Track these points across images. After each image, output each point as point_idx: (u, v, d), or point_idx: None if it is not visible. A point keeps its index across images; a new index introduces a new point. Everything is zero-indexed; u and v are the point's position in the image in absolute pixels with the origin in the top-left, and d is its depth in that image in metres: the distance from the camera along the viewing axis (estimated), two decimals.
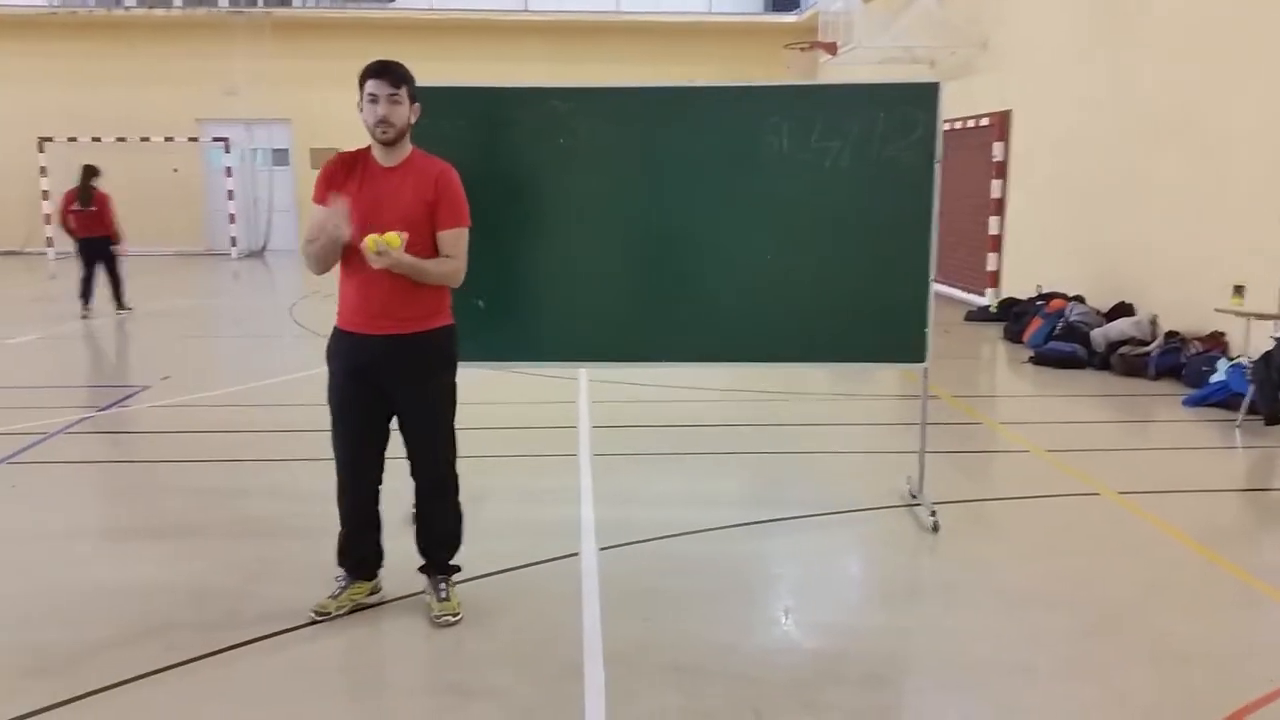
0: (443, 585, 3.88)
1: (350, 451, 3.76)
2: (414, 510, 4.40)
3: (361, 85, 3.55)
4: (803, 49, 17.20)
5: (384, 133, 3.53)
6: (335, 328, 3.71)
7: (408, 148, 3.65)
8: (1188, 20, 8.84)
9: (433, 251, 3.63)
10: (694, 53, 19.04)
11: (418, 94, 3.63)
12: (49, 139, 18.16)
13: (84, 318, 11.38)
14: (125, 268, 12.10)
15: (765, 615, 3.91)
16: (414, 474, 3.85)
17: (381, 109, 3.51)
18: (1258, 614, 3.94)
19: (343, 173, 3.61)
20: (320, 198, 3.62)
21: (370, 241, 3.41)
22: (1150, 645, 3.62)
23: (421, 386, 3.71)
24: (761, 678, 3.36)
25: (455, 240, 3.65)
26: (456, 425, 3.83)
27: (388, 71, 3.54)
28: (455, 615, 3.79)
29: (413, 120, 3.62)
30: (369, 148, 3.65)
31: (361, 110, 3.56)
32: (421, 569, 3.95)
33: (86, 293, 11.57)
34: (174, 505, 5.10)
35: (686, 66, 17.96)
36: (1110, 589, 4.12)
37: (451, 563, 3.94)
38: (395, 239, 3.44)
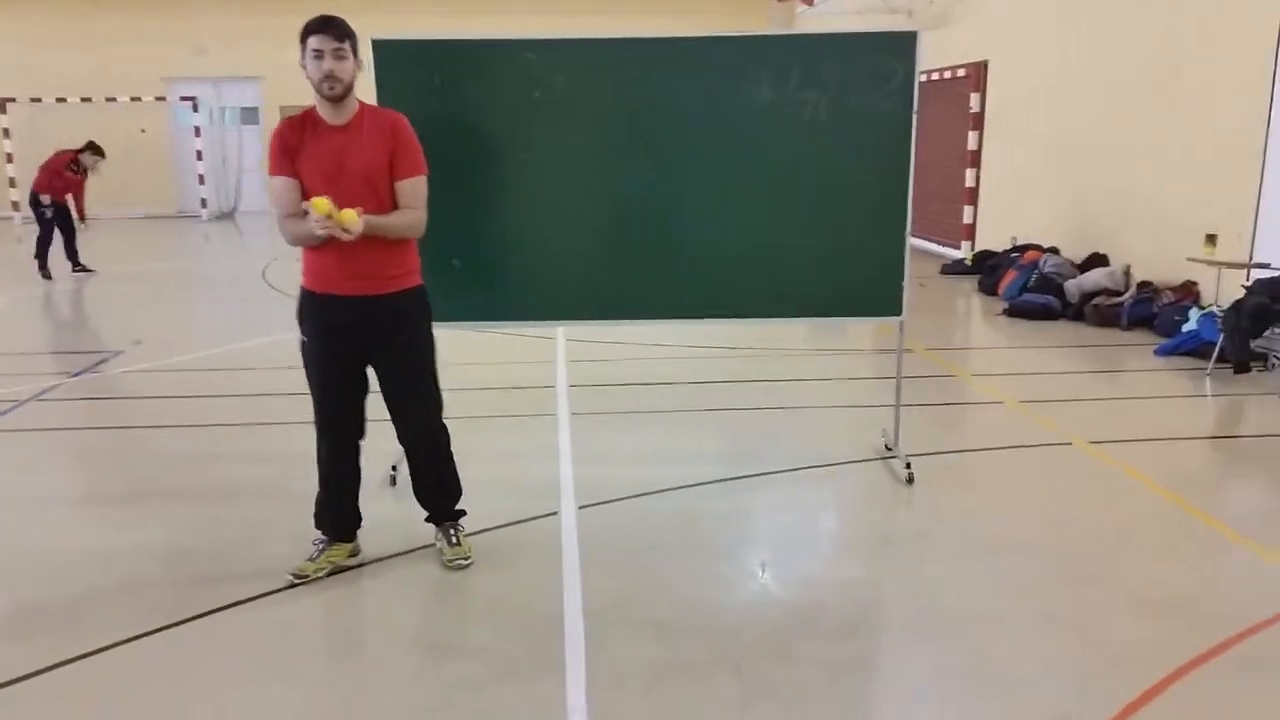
0: (452, 531, 3.97)
1: (329, 411, 3.77)
2: (393, 471, 4.41)
3: (303, 41, 3.48)
4: (781, 0, 17.03)
5: (331, 88, 3.48)
6: (303, 289, 3.68)
7: (354, 103, 3.59)
8: None
9: (392, 205, 3.60)
10: (671, 4, 18.80)
11: (358, 48, 3.57)
12: (10, 99, 17.80)
13: (50, 279, 11.35)
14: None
15: (742, 569, 3.95)
16: (401, 436, 3.86)
17: (327, 64, 3.45)
18: (1226, 559, 4.02)
19: (295, 138, 3.55)
20: (278, 169, 3.56)
21: (324, 214, 3.30)
22: (1122, 592, 3.68)
23: (399, 346, 3.72)
24: (739, 631, 3.40)
25: (414, 189, 3.62)
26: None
27: (331, 26, 3.48)
28: (467, 559, 3.89)
29: (357, 74, 3.56)
30: (313, 109, 3.59)
31: (305, 67, 3.50)
32: (428, 520, 4.03)
33: (46, 255, 11.60)
34: (150, 470, 5.07)
35: (664, 18, 17.76)
36: (1082, 537, 4.18)
37: (456, 508, 4.02)
38: (353, 216, 3.36)
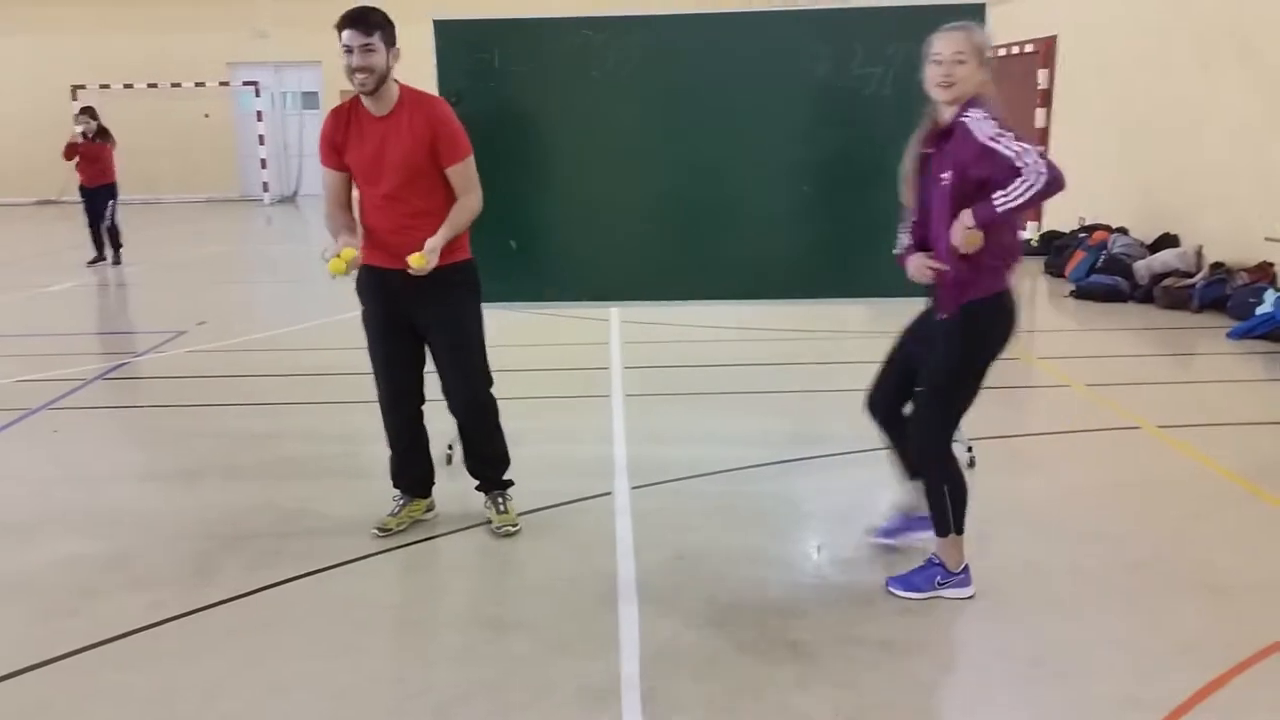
0: (500, 500, 4.06)
1: (389, 378, 3.90)
2: (449, 450, 4.46)
3: (339, 35, 3.52)
4: None
5: (362, 83, 3.53)
6: (363, 265, 3.75)
7: (394, 91, 3.62)
8: None
9: (440, 187, 3.67)
10: None
11: (394, 37, 3.58)
12: (81, 87, 18.24)
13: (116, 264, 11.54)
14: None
15: (799, 551, 3.91)
16: (451, 407, 3.95)
17: (356, 59, 3.49)
18: None
19: (340, 130, 3.65)
20: (327, 160, 3.71)
21: (414, 263, 3.51)
22: (1190, 578, 3.57)
23: (446, 317, 3.80)
24: (795, 611, 3.36)
25: (464, 173, 3.68)
26: (490, 361, 3.92)
27: (360, 21, 3.50)
28: (515, 526, 3.99)
29: (393, 64, 3.58)
30: (357, 99, 3.65)
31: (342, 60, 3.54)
32: (478, 489, 4.11)
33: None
34: (213, 448, 5.16)
35: None
36: (1150, 523, 4.06)
37: (505, 478, 4.10)
38: (419, 259, 3.50)
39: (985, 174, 3.06)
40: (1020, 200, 3.05)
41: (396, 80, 3.63)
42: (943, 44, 3.12)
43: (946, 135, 3.15)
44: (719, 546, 3.88)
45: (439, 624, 3.41)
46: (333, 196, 3.75)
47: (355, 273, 3.66)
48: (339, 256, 3.52)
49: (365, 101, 3.62)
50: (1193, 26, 9.15)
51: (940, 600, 3.43)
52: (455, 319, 3.82)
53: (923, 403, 3.40)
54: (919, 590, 3.43)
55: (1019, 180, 3.02)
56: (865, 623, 3.28)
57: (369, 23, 3.50)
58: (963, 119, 3.10)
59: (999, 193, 3.03)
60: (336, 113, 3.68)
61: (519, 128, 4.62)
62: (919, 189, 3.29)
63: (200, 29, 19.30)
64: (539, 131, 4.67)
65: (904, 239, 3.44)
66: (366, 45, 3.48)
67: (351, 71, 3.51)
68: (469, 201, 3.70)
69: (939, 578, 3.43)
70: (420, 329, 3.83)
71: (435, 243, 3.56)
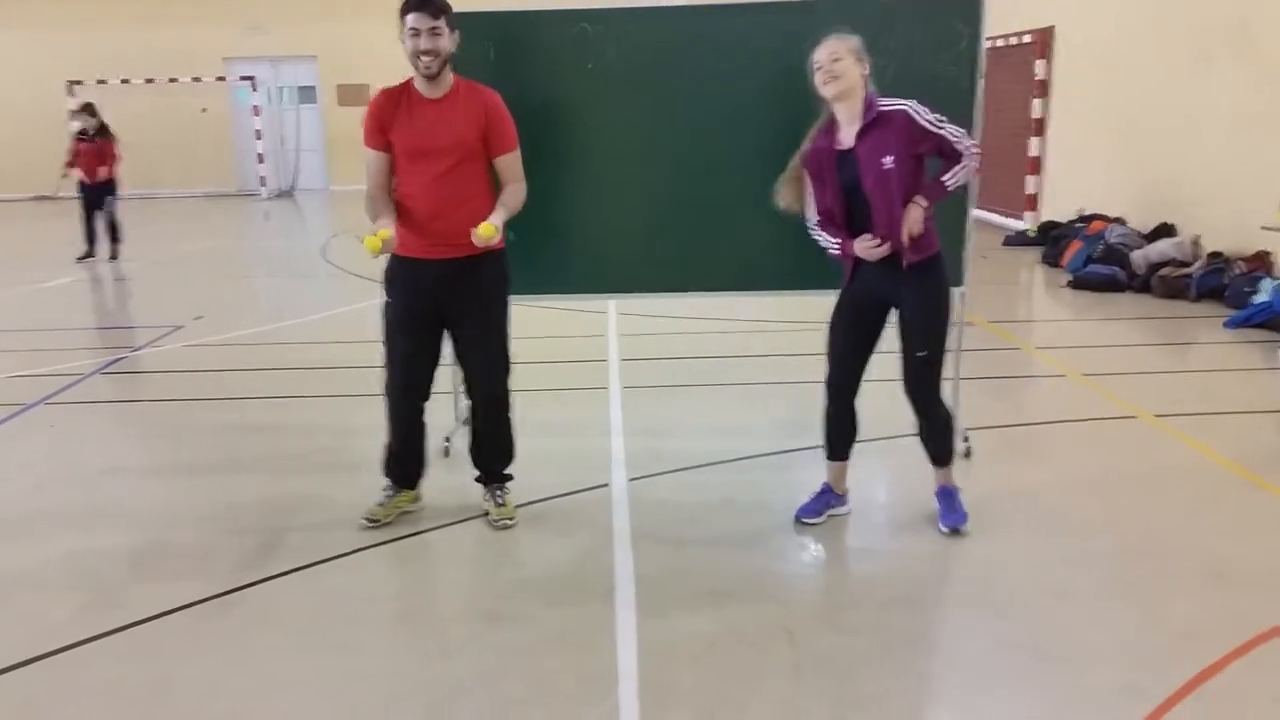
0: (499, 492, 4.09)
1: (407, 368, 3.91)
2: (446, 443, 4.46)
3: (402, 19, 3.56)
4: None
5: (427, 66, 3.57)
6: (393, 255, 3.76)
7: (450, 77, 3.68)
8: None
9: (483, 175, 3.75)
10: None
11: (454, 20, 3.63)
12: (77, 82, 18.19)
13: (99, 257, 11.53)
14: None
15: (795, 541, 3.90)
16: (470, 394, 4.00)
17: (424, 42, 3.53)
18: None
19: (389, 112, 3.67)
20: (369, 140, 3.70)
21: (482, 233, 3.51)
22: (1190, 566, 3.57)
23: (479, 308, 3.84)
24: (792, 601, 3.36)
25: (514, 163, 3.81)
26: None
27: (428, 4, 3.54)
28: (512, 519, 4.02)
29: (453, 49, 3.64)
30: (409, 81, 3.68)
31: (404, 44, 3.57)
32: (478, 479, 4.14)
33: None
34: (210, 442, 5.16)
35: None
36: (1148, 512, 4.06)
37: (505, 472, 4.14)
38: (489, 228, 3.51)
39: (927, 152, 3.53)
40: (963, 178, 3.59)
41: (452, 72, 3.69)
42: (820, 53, 3.54)
43: (872, 126, 3.51)
44: (716, 538, 3.88)
45: (436, 617, 3.40)
46: (374, 179, 3.73)
47: (387, 256, 3.68)
48: (375, 235, 3.50)
49: (420, 85, 3.65)
50: (1191, 18, 9.13)
51: (936, 591, 3.43)
52: (486, 310, 3.86)
53: (922, 355, 3.73)
54: (966, 513, 3.88)
55: (963, 161, 3.54)
56: (863, 612, 3.29)
57: (436, 6, 3.54)
58: (902, 107, 3.51)
59: (946, 175, 3.54)
60: (387, 93, 3.70)
61: (517, 120, 4.56)
62: (833, 184, 3.59)
63: (197, 23, 19.24)
64: (535, 125, 4.63)
65: (827, 236, 3.71)
66: (434, 28, 3.53)
67: (417, 54, 3.54)
68: (519, 190, 3.80)
69: (959, 496, 3.95)
70: (449, 320, 3.85)
71: (498, 219, 3.59)
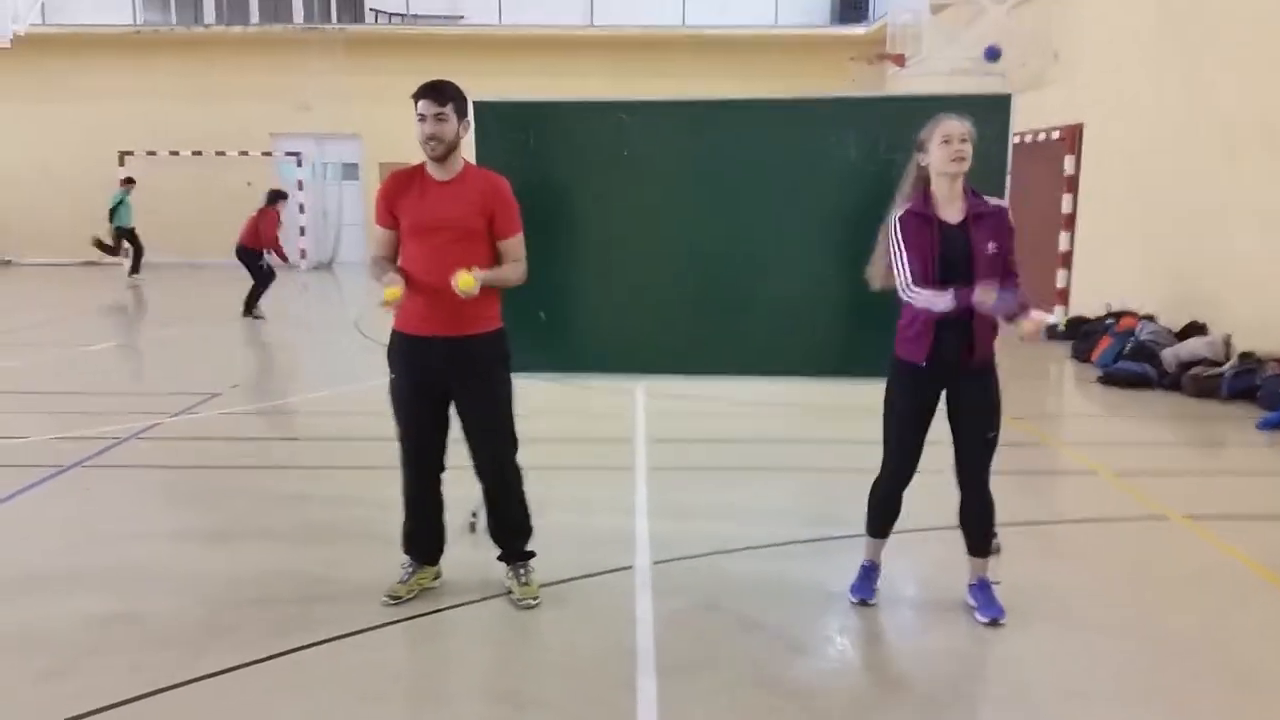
0: (522, 571, 4.09)
1: (413, 446, 3.97)
2: (472, 519, 4.50)
3: (415, 105, 3.74)
4: (870, 61, 17.07)
5: (433, 149, 3.73)
6: (394, 330, 3.91)
7: (460, 162, 3.84)
8: (1265, 30, 8.60)
9: (487, 255, 3.83)
10: (760, 66, 18.98)
11: (466, 109, 3.81)
12: (129, 153, 18.79)
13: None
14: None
15: (822, 634, 3.88)
16: (479, 473, 4.02)
17: (429, 127, 3.71)
18: None
19: (400, 190, 3.83)
20: (383, 219, 3.87)
21: (460, 282, 3.61)
22: (1217, 672, 3.51)
23: (478, 386, 3.90)
24: (817, 697, 3.33)
25: (517, 246, 3.89)
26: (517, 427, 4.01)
27: (434, 91, 3.73)
28: (535, 598, 4.01)
29: (462, 135, 3.80)
30: (424, 164, 3.84)
31: (416, 128, 3.75)
32: (500, 558, 4.14)
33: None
34: (241, 509, 5.22)
35: (752, 80, 17.94)
36: (1176, 615, 4.01)
37: (527, 549, 4.13)
38: (468, 278, 3.61)
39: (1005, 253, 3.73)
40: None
41: (465, 157, 3.86)
42: (953, 129, 3.63)
43: (982, 209, 3.70)
44: (741, 627, 3.86)
45: (455, 697, 3.40)
46: (380, 250, 3.92)
47: (391, 319, 3.82)
48: (394, 286, 3.65)
49: (430, 168, 3.81)
50: (1218, 115, 9.24)
51: (963, 690, 3.40)
52: (486, 387, 3.92)
53: (982, 450, 3.85)
54: (1003, 606, 3.89)
55: (1018, 277, 3.75)
56: (886, 712, 3.25)
57: (443, 93, 3.73)
58: (1004, 205, 3.78)
59: (1020, 286, 3.72)
60: (398, 175, 3.87)
61: (552, 204, 4.73)
62: (932, 252, 3.66)
63: (246, 100, 19.91)
64: (571, 208, 4.79)
65: (929, 293, 3.68)
66: (439, 114, 3.70)
67: (425, 138, 3.72)
68: (521, 267, 3.90)
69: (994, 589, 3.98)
70: (450, 396, 3.91)
71: (484, 275, 3.68)
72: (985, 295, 3.53)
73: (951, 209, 3.70)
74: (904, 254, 3.69)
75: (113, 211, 16.57)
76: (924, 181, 3.73)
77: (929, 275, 3.66)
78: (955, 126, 3.62)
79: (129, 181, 17.09)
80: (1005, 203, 3.83)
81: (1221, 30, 9.22)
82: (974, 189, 3.75)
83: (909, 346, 3.79)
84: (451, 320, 3.78)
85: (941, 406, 3.84)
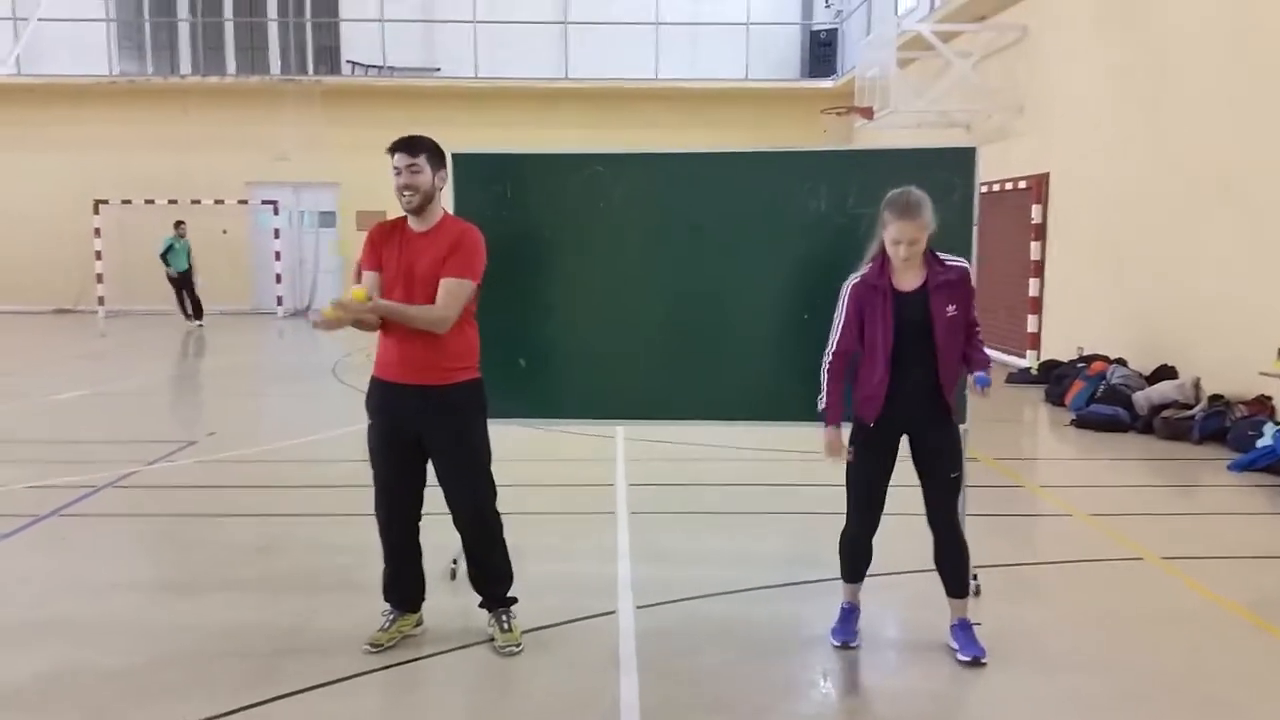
0: (504, 617, 4.07)
1: (389, 492, 3.98)
2: (454, 565, 4.49)
3: (391, 159, 3.81)
4: (839, 114, 17.38)
5: (408, 200, 3.81)
6: (372, 377, 3.95)
7: (438, 213, 3.90)
8: (1225, 84, 8.87)
9: (468, 308, 3.89)
10: (730, 119, 19.26)
11: (442, 161, 3.87)
12: (104, 201, 18.73)
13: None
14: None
15: (806, 677, 3.88)
16: (456, 522, 4.01)
17: (404, 179, 3.78)
18: None
19: (384, 239, 3.91)
20: (368, 261, 3.92)
21: (347, 297, 3.67)
22: (1195, 712, 3.55)
23: (451, 434, 3.91)
24: None
25: (448, 289, 3.80)
26: (496, 477, 4.01)
27: (408, 144, 3.81)
28: (518, 645, 4.00)
29: (439, 186, 3.86)
30: (405, 217, 3.91)
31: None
32: (481, 605, 4.12)
33: None
34: (217, 558, 5.17)
35: (723, 132, 18.18)
36: (1153, 656, 4.04)
37: (509, 595, 4.11)
38: (360, 293, 3.68)
39: (965, 314, 3.85)
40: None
41: (445, 209, 3.92)
42: (901, 232, 3.73)
43: (942, 276, 3.81)
44: (724, 671, 3.86)
45: None
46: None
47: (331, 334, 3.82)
48: (336, 304, 3.67)
49: (410, 220, 3.88)
50: (1180, 167, 9.48)
51: None
52: (462, 436, 3.92)
53: (952, 495, 4.00)
54: (983, 646, 3.91)
55: (979, 334, 3.93)
56: None
57: (416, 146, 3.81)
58: (965, 266, 3.89)
59: (981, 351, 3.92)
60: (384, 225, 3.97)
61: (530, 253, 4.79)
62: (886, 322, 3.79)
63: (223, 150, 19.93)
64: (549, 257, 4.85)
65: (830, 380, 3.97)
66: (412, 166, 3.77)
67: (400, 189, 3.78)
68: (436, 312, 3.77)
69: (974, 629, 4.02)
70: (426, 444, 3.92)
71: (380, 306, 3.72)
72: (831, 446, 3.94)
73: (909, 276, 3.83)
74: (841, 322, 3.88)
75: (164, 257, 16.91)
76: (883, 250, 3.84)
77: (873, 347, 3.83)
78: (903, 230, 3.71)
79: (180, 224, 17.41)
80: (966, 263, 3.92)
81: (1182, 84, 9.50)
82: (935, 253, 3.85)
83: (861, 407, 3.93)
84: (425, 369, 3.82)
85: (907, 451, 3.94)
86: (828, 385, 3.93)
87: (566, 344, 4.92)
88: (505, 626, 4.04)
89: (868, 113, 14.91)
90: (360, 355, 13.04)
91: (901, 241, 3.72)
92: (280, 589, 4.72)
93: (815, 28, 20.40)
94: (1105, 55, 10.86)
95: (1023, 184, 12.56)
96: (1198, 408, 8.54)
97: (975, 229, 4.65)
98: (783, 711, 3.56)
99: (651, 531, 5.68)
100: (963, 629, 3.98)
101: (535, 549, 5.14)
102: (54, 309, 19.68)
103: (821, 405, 3.94)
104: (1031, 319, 12.49)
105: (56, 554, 5.23)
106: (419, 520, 4.05)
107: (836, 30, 19.99)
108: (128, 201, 19.16)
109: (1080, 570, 5.16)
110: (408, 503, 4.00)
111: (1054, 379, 10.67)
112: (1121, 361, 10.01)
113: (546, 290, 4.86)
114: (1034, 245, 12.32)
